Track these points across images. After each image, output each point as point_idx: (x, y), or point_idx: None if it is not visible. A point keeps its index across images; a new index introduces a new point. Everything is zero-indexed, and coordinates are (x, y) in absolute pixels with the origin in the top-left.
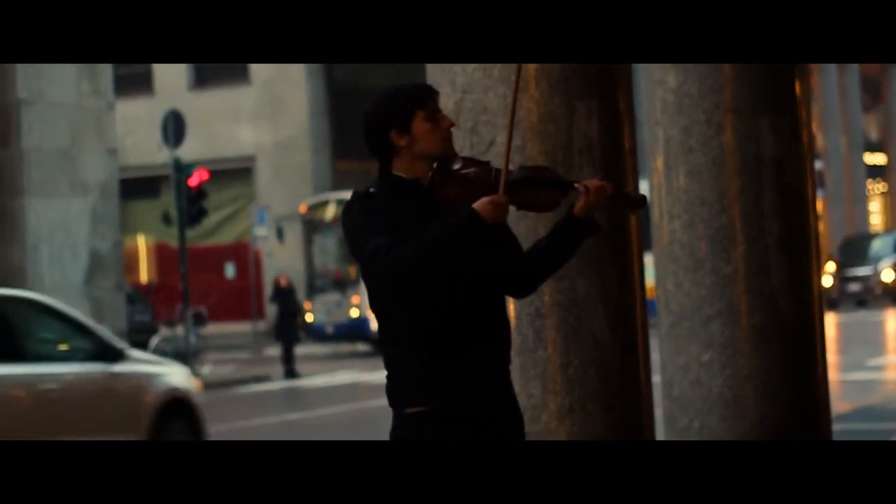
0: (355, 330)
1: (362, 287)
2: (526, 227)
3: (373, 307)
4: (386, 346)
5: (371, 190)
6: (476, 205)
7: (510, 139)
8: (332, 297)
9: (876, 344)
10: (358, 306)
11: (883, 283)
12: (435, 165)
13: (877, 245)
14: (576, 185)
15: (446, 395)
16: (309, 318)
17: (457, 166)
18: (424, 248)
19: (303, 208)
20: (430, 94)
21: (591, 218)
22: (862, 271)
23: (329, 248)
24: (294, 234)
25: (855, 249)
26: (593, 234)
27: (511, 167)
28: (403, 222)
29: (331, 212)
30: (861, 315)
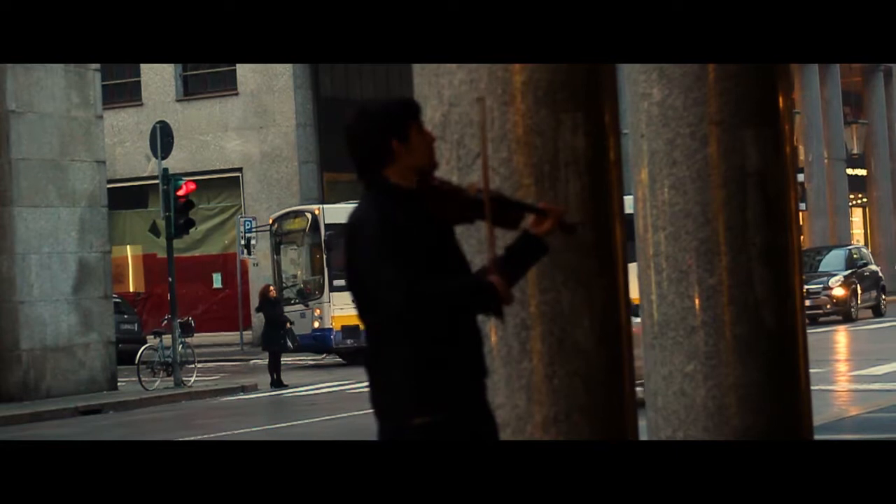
0: (318, 341)
1: (325, 299)
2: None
3: (365, 319)
4: (379, 359)
5: (370, 204)
6: (495, 281)
7: (486, 168)
8: (297, 308)
9: (833, 357)
10: (320, 318)
11: (833, 298)
12: (416, 179)
13: (828, 259)
14: (539, 207)
15: (449, 404)
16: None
17: (436, 182)
18: (441, 300)
19: (270, 220)
20: (419, 108)
21: (544, 238)
22: (812, 287)
23: (295, 260)
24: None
25: (805, 264)
26: (545, 255)
27: (476, 186)
28: (412, 234)
29: (296, 224)
30: (811, 331)
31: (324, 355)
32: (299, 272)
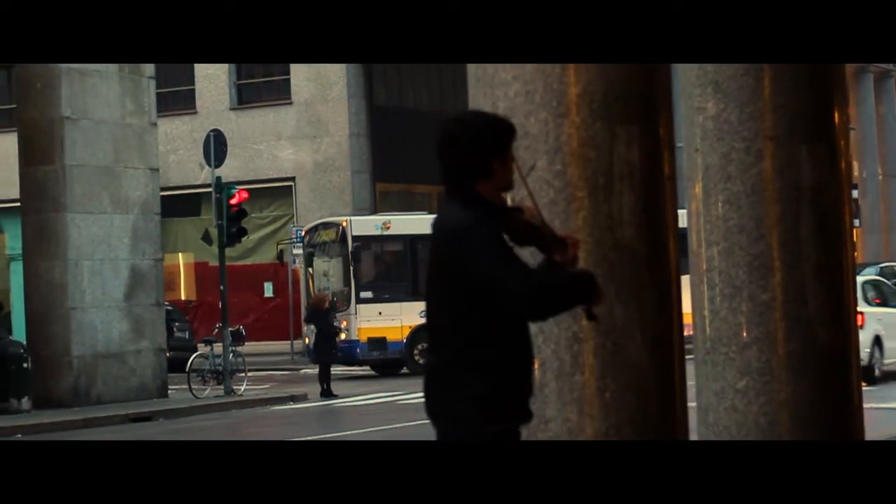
0: (345, 353)
1: (351, 311)
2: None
3: (450, 323)
4: (457, 366)
5: (469, 211)
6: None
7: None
8: None
9: None
10: (347, 330)
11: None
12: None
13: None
14: (563, 238)
15: (518, 414)
16: (307, 340)
17: (502, 201)
18: (560, 290)
19: (303, 232)
20: (515, 129)
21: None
22: None
23: (325, 272)
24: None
25: None
26: None
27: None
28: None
29: (326, 235)
30: None
31: (365, 368)
32: (329, 284)
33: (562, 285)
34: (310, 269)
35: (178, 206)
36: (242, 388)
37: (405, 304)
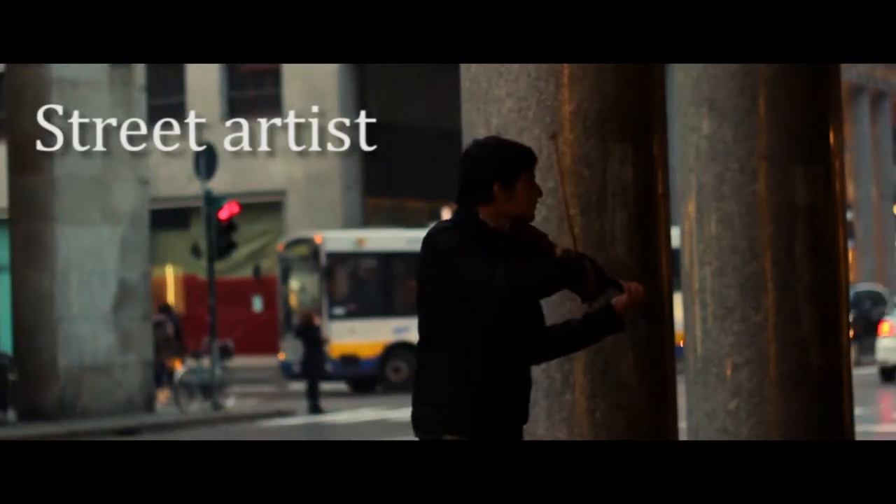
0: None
1: (323, 327)
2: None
3: (428, 331)
4: (431, 373)
5: (457, 222)
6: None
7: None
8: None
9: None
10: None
11: None
12: (510, 225)
13: None
14: (622, 284)
15: (490, 425)
16: (281, 356)
17: (530, 233)
18: (533, 279)
19: (280, 247)
20: (535, 160)
21: (622, 316)
22: None
23: (304, 287)
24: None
25: None
26: (619, 331)
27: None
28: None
29: (300, 251)
30: None
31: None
32: (304, 299)
33: (532, 279)
34: (291, 284)
35: (167, 218)
36: (229, 402)
37: (379, 321)
